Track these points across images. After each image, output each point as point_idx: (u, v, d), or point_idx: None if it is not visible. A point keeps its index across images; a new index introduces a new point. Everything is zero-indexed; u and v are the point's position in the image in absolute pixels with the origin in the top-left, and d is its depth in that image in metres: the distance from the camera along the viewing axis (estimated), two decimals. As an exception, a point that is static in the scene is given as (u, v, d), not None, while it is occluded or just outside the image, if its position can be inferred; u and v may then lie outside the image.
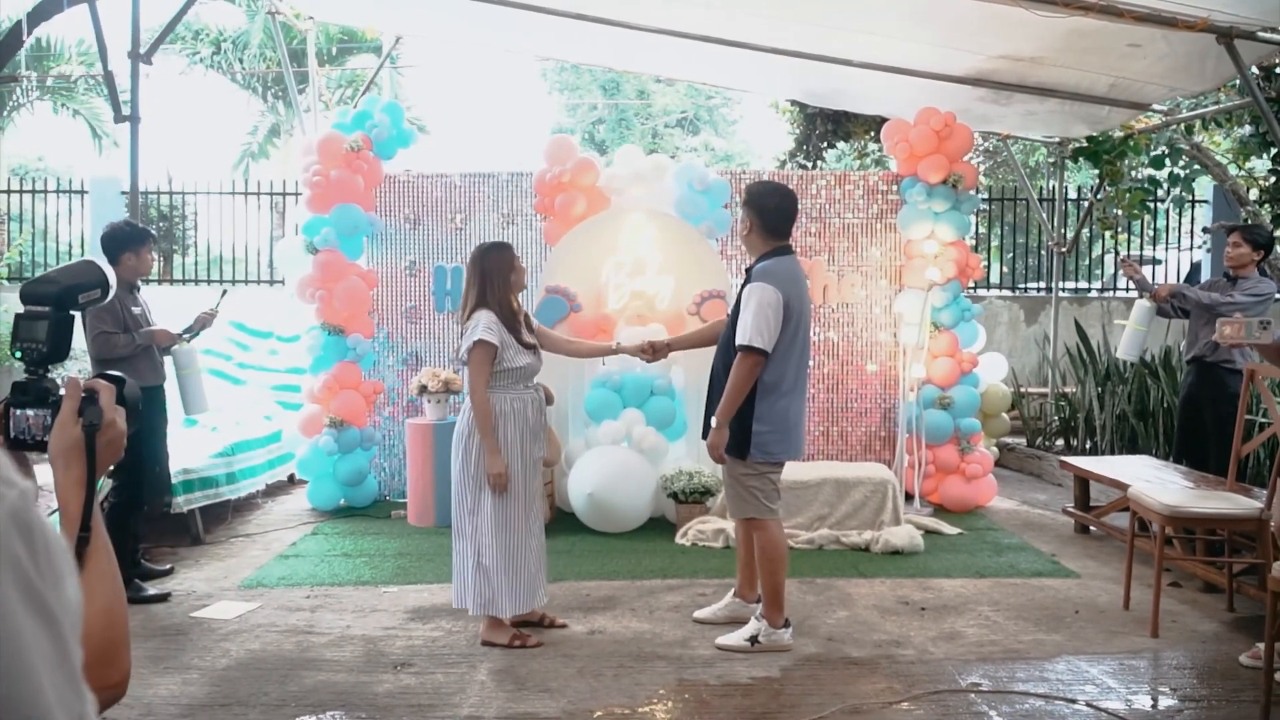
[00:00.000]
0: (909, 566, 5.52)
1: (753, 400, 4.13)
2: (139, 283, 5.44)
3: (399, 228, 7.21)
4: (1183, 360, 6.26)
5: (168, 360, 5.56)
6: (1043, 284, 11.62)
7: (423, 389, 6.58)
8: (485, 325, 4.13)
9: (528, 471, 4.30)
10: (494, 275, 4.23)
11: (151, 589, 5.13)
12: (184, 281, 11.32)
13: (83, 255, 11.80)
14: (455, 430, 4.27)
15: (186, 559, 5.82)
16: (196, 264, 11.40)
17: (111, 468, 5.19)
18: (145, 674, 3.93)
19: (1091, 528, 6.24)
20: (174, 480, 5.89)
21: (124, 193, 11.72)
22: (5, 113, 14.33)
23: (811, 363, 7.04)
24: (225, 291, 5.75)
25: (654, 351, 4.64)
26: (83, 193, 11.57)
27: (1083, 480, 6.32)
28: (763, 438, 4.15)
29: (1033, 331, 10.75)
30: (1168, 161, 7.90)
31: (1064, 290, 9.79)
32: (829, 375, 7.19)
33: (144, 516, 5.58)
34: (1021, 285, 12.08)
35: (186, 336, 5.51)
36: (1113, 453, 7.57)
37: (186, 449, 6.45)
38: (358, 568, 5.57)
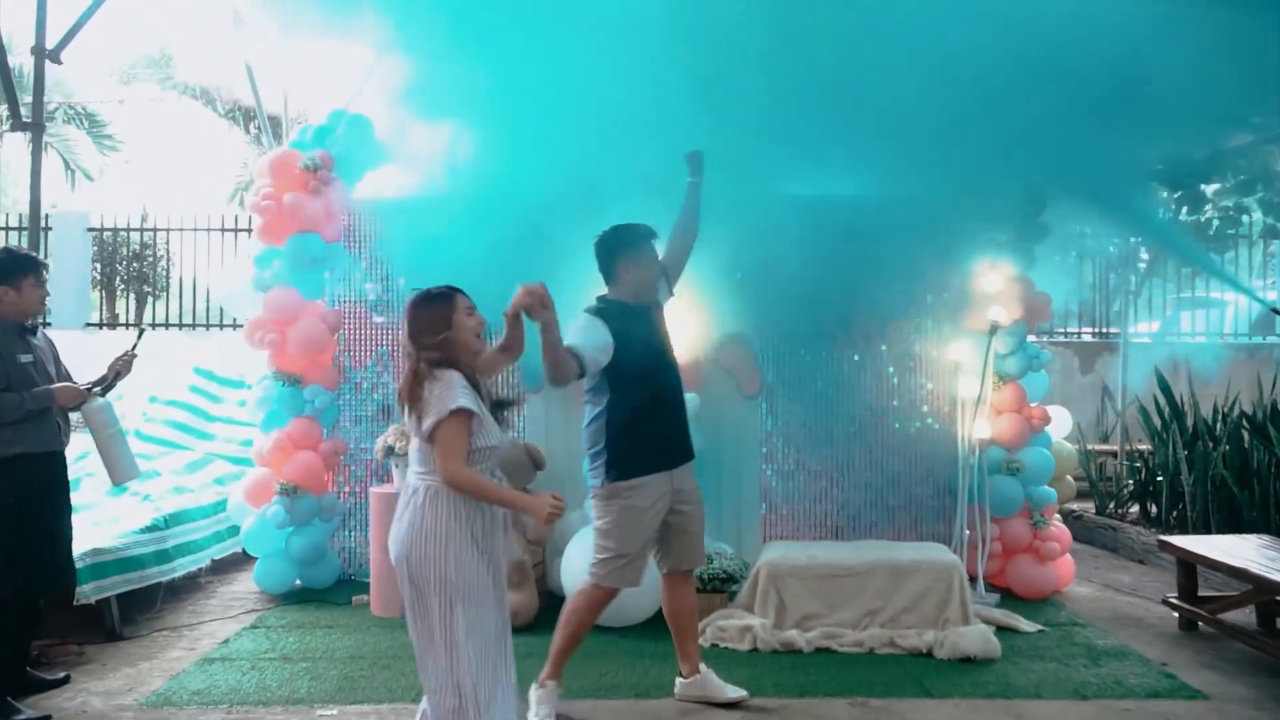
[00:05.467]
0: (986, 680, 4.37)
1: None
2: (33, 323, 4.40)
3: (368, 261, 6.19)
4: None
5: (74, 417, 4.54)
6: (1096, 328, 10.46)
7: (389, 451, 5.51)
8: (460, 387, 3.06)
9: (497, 578, 3.23)
10: (421, 336, 3.15)
11: (27, 711, 4.06)
12: (154, 326, 10.34)
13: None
14: (399, 531, 3.16)
15: (93, 661, 4.77)
16: (168, 308, 10.46)
17: None
18: None
19: (1200, 623, 5.09)
20: (79, 565, 4.84)
21: (90, 229, 10.86)
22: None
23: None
24: (142, 332, 4.72)
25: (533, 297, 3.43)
26: (46, 229, 10.64)
27: (1187, 564, 5.17)
28: None
29: (1090, 380, 9.65)
30: (1259, 186, 6.84)
31: (1115, 334, 8.69)
32: (873, 435, 6.08)
33: (37, 614, 4.52)
34: (1073, 329, 10.92)
35: (98, 390, 4.46)
36: (1206, 525, 6.42)
37: (104, 524, 5.42)
38: (295, 677, 4.47)
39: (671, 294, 4.28)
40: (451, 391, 3.04)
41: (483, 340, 3.26)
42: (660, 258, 4.13)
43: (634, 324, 3.91)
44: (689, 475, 4.05)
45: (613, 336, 3.80)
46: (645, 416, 3.86)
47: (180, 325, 10.42)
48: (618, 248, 4.02)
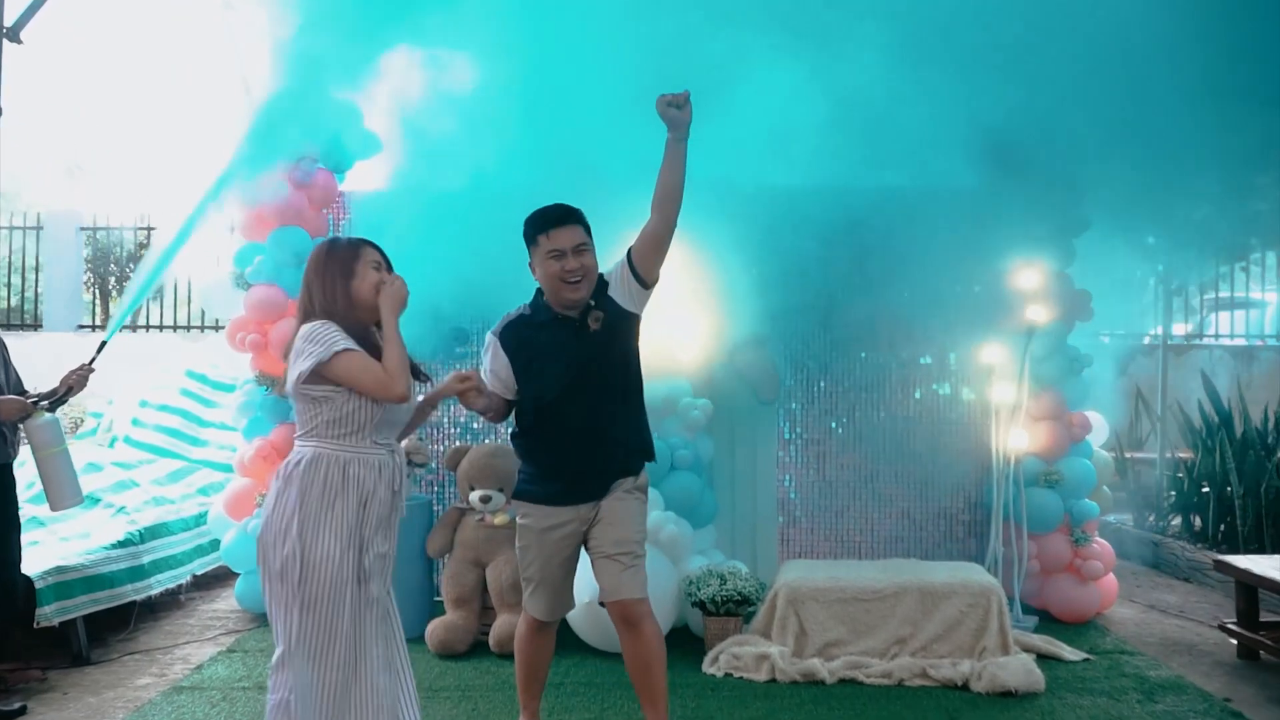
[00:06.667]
0: (1029, 718, 3.94)
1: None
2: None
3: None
4: None
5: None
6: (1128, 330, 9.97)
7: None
8: (335, 333, 2.76)
9: (370, 576, 2.79)
10: (318, 282, 2.86)
11: (-30, 748, 3.70)
12: (147, 328, 10.01)
13: (35, 292, 10.58)
14: (269, 497, 2.85)
15: (55, 688, 4.40)
16: (162, 309, 10.12)
17: None
18: None
19: (1262, 652, 4.65)
20: (41, 584, 4.48)
21: (83, 229, 10.54)
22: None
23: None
24: (103, 345, 4.34)
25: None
26: (38, 228, 10.34)
27: (1248, 587, 4.73)
28: None
29: (1123, 385, 9.18)
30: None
31: (1154, 336, 8.23)
32: (900, 444, 5.65)
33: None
34: (1106, 330, 10.42)
35: (45, 405, 4.07)
36: (1259, 542, 5.97)
37: (72, 539, 5.07)
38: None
39: (646, 284, 3.37)
40: (329, 335, 2.73)
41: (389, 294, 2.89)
42: (619, 242, 3.51)
43: (543, 342, 3.31)
44: (607, 496, 3.40)
45: (511, 361, 3.32)
46: (547, 449, 3.35)
47: (175, 327, 10.09)
48: (525, 241, 3.35)
